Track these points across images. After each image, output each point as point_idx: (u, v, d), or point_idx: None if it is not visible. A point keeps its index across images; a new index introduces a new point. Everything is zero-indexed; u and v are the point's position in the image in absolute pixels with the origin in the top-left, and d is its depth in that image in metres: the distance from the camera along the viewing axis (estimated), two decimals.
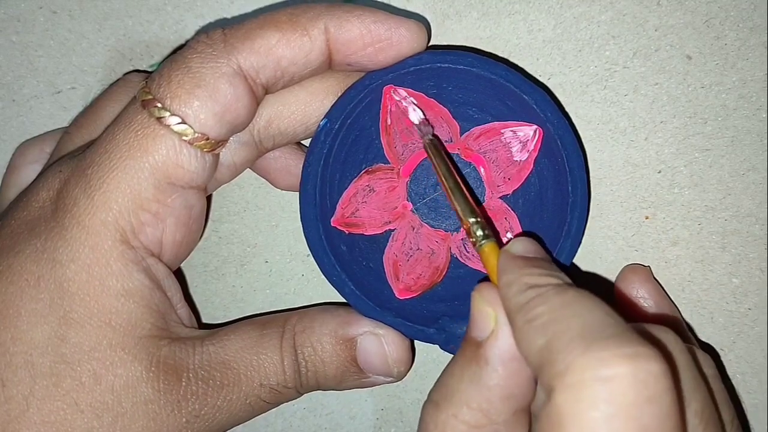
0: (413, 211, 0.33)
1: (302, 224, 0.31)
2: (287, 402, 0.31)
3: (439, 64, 0.31)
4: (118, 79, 0.35)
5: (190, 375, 0.29)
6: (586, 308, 0.23)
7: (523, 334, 0.23)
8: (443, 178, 0.30)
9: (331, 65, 0.30)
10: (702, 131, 0.35)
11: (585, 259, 0.35)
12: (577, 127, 0.35)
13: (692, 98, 0.35)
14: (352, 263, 0.32)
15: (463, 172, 0.33)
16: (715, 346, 0.35)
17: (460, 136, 0.33)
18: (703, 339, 0.35)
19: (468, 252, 0.33)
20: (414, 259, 0.33)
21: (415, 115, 0.32)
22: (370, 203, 0.33)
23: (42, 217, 0.29)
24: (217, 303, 0.37)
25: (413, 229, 0.33)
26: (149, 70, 0.36)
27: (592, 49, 0.35)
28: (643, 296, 0.33)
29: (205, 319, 0.37)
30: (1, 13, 0.36)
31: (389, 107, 0.32)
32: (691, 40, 0.34)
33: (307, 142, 0.33)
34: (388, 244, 0.33)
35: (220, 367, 0.29)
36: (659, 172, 0.35)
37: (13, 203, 0.31)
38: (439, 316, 0.31)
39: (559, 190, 0.31)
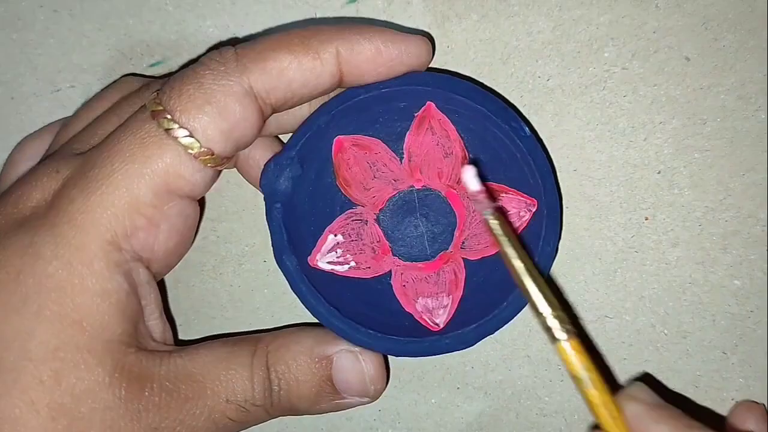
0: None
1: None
2: (257, 424, 0.29)
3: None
4: (113, 81, 0.34)
5: (154, 385, 0.27)
6: None
7: None
8: (513, 266, 0.26)
9: (341, 85, 0.29)
10: (701, 132, 0.34)
11: (584, 260, 0.34)
12: (577, 128, 0.34)
13: (691, 99, 0.33)
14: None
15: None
16: (717, 350, 0.33)
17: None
18: (705, 342, 0.33)
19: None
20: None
21: (473, 185, 0.28)
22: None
23: (35, 216, 0.28)
24: (215, 302, 0.35)
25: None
26: (148, 73, 0.35)
27: (591, 51, 0.34)
28: None
29: (202, 319, 0.35)
30: (2, 10, 0.34)
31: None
32: (690, 42, 0.33)
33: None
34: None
35: (186, 379, 0.28)
36: (659, 173, 0.34)
37: (3, 199, 0.30)
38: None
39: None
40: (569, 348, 0.25)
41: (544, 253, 0.29)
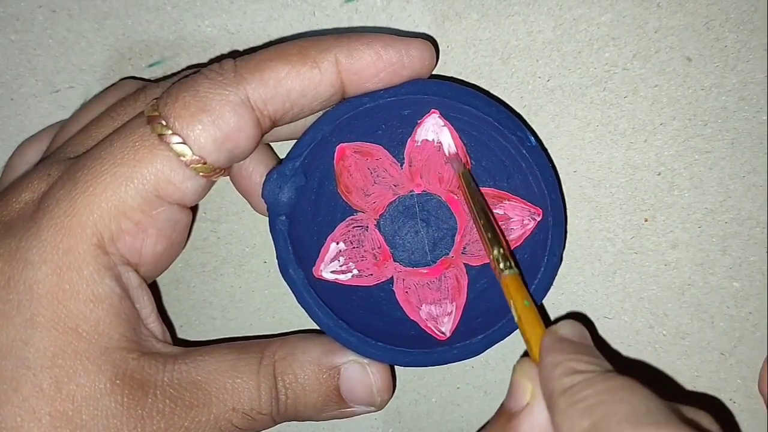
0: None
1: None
2: (261, 431, 0.29)
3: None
4: (112, 84, 0.34)
5: (158, 392, 0.27)
6: (633, 394, 0.22)
7: (566, 416, 0.23)
8: (473, 211, 0.29)
9: (345, 94, 0.29)
10: (702, 133, 0.33)
11: (584, 261, 0.34)
12: (577, 129, 0.33)
13: (692, 100, 0.33)
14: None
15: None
16: (715, 351, 0.33)
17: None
18: (704, 343, 0.33)
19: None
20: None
21: (447, 148, 0.30)
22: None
23: (21, 218, 0.27)
24: (216, 303, 0.35)
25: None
26: (147, 73, 0.35)
27: (592, 51, 0.33)
28: None
29: (203, 320, 0.35)
30: (1, 11, 0.34)
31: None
32: (691, 42, 0.33)
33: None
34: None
35: (191, 387, 0.27)
36: (659, 174, 0.34)
37: None
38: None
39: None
40: (507, 283, 0.28)
41: (550, 264, 0.29)
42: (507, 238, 0.31)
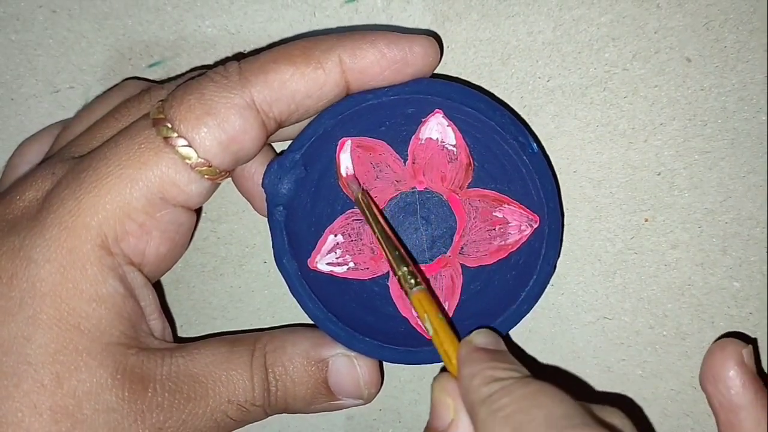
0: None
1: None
2: (254, 422, 0.29)
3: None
4: (116, 84, 0.33)
5: (157, 386, 0.27)
6: (549, 399, 0.23)
7: (488, 425, 0.23)
8: (375, 232, 0.29)
9: (349, 92, 0.29)
10: (702, 133, 0.33)
11: (584, 262, 0.34)
12: (577, 129, 0.33)
13: (692, 100, 0.33)
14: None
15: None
16: None
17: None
18: (704, 344, 0.33)
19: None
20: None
21: (345, 170, 0.30)
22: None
23: (25, 216, 0.27)
24: (215, 303, 0.35)
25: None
26: (147, 73, 0.35)
27: (592, 52, 0.33)
28: (727, 378, 0.29)
29: (203, 320, 0.35)
30: (1, 11, 0.33)
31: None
32: (691, 43, 0.33)
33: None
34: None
35: (188, 380, 0.28)
36: (659, 174, 0.33)
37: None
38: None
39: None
40: (420, 299, 0.28)
41: (543, 272, 0.29)
42: (486, 251, 0.31)
